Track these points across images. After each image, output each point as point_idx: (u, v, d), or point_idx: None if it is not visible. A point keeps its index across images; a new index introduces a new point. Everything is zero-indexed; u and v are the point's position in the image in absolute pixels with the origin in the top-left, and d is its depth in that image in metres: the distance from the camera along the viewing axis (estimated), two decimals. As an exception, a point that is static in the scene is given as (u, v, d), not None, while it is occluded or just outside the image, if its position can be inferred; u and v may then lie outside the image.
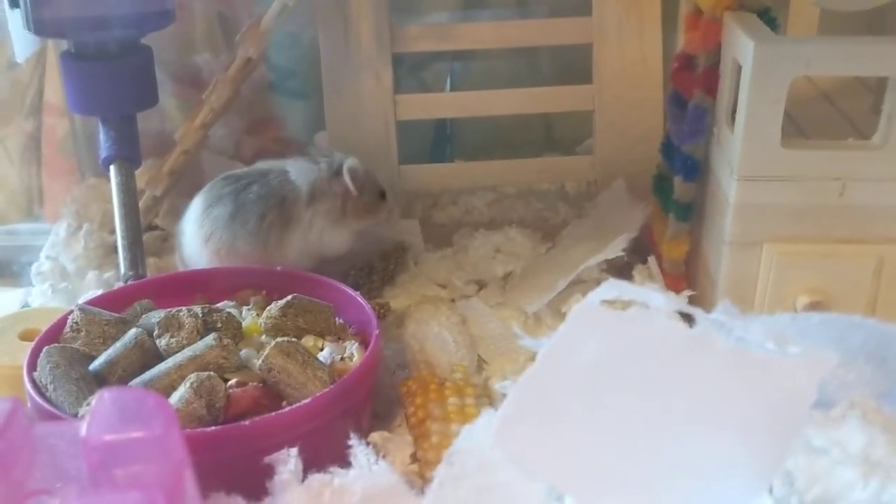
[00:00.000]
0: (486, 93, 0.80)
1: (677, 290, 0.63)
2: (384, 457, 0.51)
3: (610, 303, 0.38)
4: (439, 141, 0.95)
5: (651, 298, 0.37)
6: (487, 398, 0.56)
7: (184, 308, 0.55)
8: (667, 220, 0.66)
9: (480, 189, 0.83)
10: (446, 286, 0.71)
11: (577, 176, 0.83)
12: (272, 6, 0.69)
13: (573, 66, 0.84)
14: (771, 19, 0.59)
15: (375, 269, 0.73)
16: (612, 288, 0.38)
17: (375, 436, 0.53)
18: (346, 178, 0.66)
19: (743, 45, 0.54)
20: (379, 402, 0.59)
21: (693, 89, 0.62)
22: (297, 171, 0.66)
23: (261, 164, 0.68)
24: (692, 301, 0.57)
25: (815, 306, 0.56)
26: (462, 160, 0.89)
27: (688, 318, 0.39)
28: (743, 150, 0.55)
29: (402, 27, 0.78)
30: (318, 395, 0.49)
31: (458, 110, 0.81)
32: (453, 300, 0.70)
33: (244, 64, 0.71)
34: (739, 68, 0.56)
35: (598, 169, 0.80)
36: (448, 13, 0.88)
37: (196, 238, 0.66)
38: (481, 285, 0.72)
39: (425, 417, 0.53)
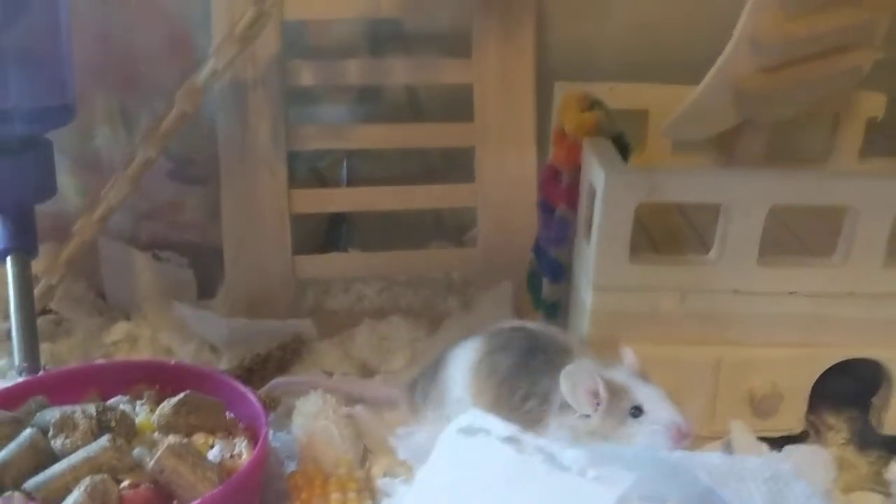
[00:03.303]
0: (376, 189, 0.85)
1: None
2: (271, 550, 0.55)
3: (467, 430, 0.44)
4: (334, 228, 0.99)
5: (493, 427, 0.43)
6: (370, 492, 0.60)
7: (78, 408, 0.57)
8: (538, 316, 0.73)
9: (372, 277, 0.88)
10: (332, 375, 0.75)
11: (462, 266, 0.89)
12: (172, 115, 0.73)
13: (462, 163, 0.91)
14: (624, 144, 0.66)
15: (271, 357, 0.77)
16: (468, 417, 0.44)
17: (263, 530, 0.56)
18: (563, 385, 0.56)
19: (596, 173, 0.61)
20: (269, 493, 0.62)
21: (558, 200, 0.69)
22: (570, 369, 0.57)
23: (555, 330, 0.64)
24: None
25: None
26: (356, 247, 0.94)
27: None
28: (596, 263, 0.62)
29: (297, 126, 0.83)
30: (206, 496, 0.52)
31: (350, 204, 0.86)
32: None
33: (143, 164, 0.74)
34: (594, 190, 0.63)
35: (481, 262, 0.86)
36: (343, 106, 0.94)
37: (466, 372, 0.62)
38: (369, 373, 0.76)
39: (310, 512, 0.57)
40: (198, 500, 0.52)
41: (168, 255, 0.90)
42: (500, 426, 0.51)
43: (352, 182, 0.95)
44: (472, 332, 0.64)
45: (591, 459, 0.45)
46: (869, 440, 0.69)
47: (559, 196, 0.69)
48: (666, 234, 0.71)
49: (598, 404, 0.56)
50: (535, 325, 0.64)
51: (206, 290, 0.90)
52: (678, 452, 0.48)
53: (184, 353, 0.80)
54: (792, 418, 0.65)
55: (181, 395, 0.60)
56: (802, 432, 0.67)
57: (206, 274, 0.90)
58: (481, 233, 0.86)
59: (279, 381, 0.73)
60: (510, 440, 0.50)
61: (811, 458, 0.56)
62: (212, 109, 0.84)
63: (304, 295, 0.86)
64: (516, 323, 0.64)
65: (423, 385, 0.66)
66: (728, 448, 0.60)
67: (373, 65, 0.82)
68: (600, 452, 0.47)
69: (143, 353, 0.81)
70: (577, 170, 0.68)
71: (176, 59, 0.85)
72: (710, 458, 0.46)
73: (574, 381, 0.55)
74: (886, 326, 0.63)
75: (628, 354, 0.59)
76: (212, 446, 0.59)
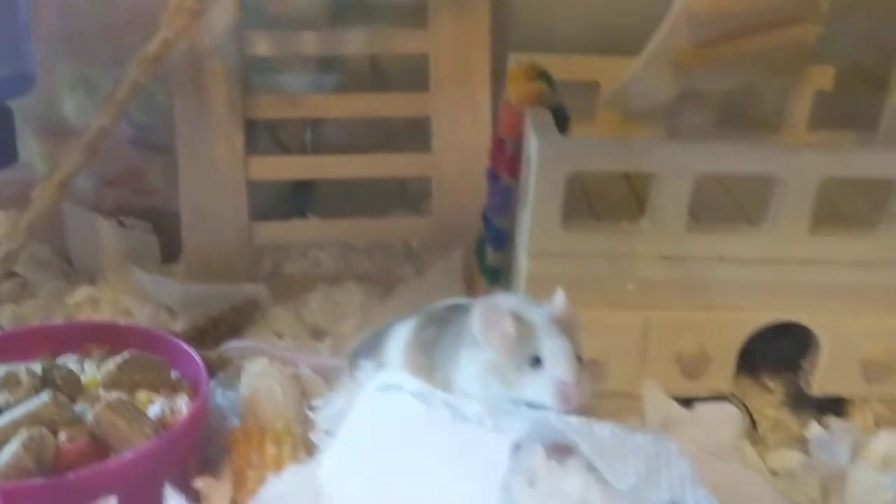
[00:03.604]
0: (331, 157, 0.87)
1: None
2: (206, 500, 0.57)
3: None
4: (300, 195, 1.01)
5: (405, 384, 0.46)
6: (305, 447, 0.62)
7: (23, 366, 0.59)
8: (484, 282, 0.75)
9: (329, 243, 0.90)
10: (283, 337, 0.77)
11: (419, 234, 0.91)
12: (125, 85, 0.74)
13: (427, 132, 0.92)
14: (563, 115, 0.68)
15: (224, 319, 0.79)
16: (385, 375, 0.51)
17: (200, 482, 0.58)
18: (473, 319, 0.54)
19: (531, 142, 0.63)
20: (213, 448, 0.64)
21: (502, 169, 0.71)
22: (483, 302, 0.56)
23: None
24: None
25: (593, 363, 0.65)
26: (322, 214, 0.95)
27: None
28: (531, 230, 0.63)
29: (254, 95, 0.84)
30: (139, 448, 0.54)
31: (306, 172, 0.88)
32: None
33: (98, 132, 0.75)
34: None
35: (436, 229, 0.88)
36: (308, 75, 0.95)
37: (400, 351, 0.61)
38: (319, 337, 0.79)
39: (245, 466, 0.59)
40: (130, 452, 0.54)
41: (132, 221, 0.92)
42: (412, 383, 0.54)
43: (316, 150, 0.97)
44: (410, 313, 0.64)
45: (490, 412, 0.47)
46: (803, 402, 0.71)
47: (503, 165, 0.71)
48: (608, 201, 0.72)
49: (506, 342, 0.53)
50: (469, 301, 0.62)
51: (169, 255, 0.92)
52: (570, 418, 0.49)
53: (142, 316, 0.82)
54: (720, 379, 0.67)
55: (125, 355, 0.63)
56: (732, 393, 0.69)
57: (169, 239, 0.92)
58: (436, 201, 0.88)
59: (233, 344, 0.75)
60: (420, 395, 0.53)
61: (720, 414, 0.58)
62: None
63: (262, 260, 0.88)
64: (451, 301, 0.64)
65: (363, 357, 0.66)
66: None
67: (328, 36, 0.83)
68: (497, 410, 0.49)
69: (105, 315, 0.83)
70: (519, 139, 0.69)
71: (138, 30, 0.86)
72: (599, 430, 0.48)
73: (485, 316, 0.53)
74: (812, 291, 0.65)
75: (559, 298, 0.56)
76: (153, 403, 0.61)
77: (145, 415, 0.58)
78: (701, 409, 0.59)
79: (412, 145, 0.91)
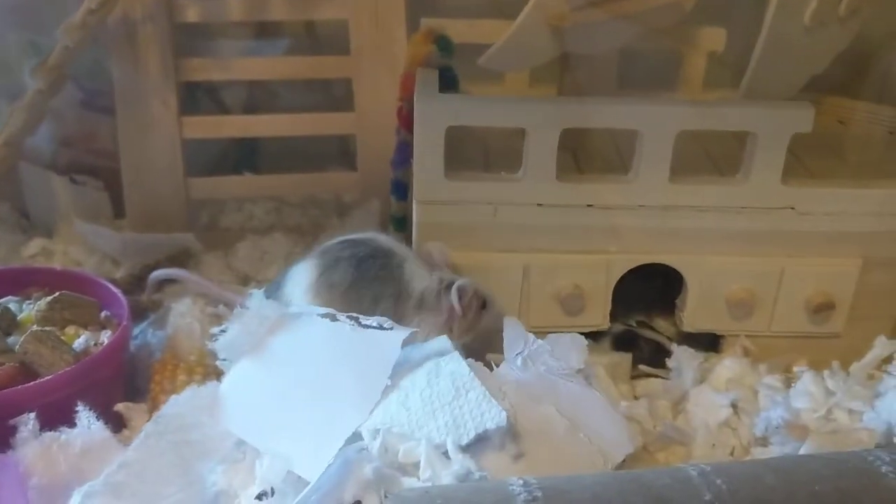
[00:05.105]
0: (262, 116, 0.94)
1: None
2: (127, 422, 0.65)
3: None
4: (243, 154, 1.08)
5: (313, 310, 0.61)
6: (216, 375, 0.69)
7: (-37, 304, 0.67)
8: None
9: (262, 198, 0.97)
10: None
11: (344, 188, 0.98)
12: (57, 50, 0.81)
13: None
14: (452, 76, 0.74)
15: (160, 267, 0.86)
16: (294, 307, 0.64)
17: (121, 406, 0.66)
18: (454, 298, 0.66)
19: (415, 99, 0.69)
20: (140, 378, 0.72)
21: (402, 125, 0.78)
22: (412, 271, 0.67)
23: (376, 237, 0.70)
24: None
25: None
26: (265, 171, 1.02)
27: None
28: (417, 180, 0.70)
29: (186, 59, 0.91)
30: (59, 372, 0.62)
31: (236, 130, 0.94)
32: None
33: (35, 94, 0.82)
34: (418, 115, 0.71)
35: (361, 183, 0.95)
36: (242, 41, 1.02)
37: (305, 292, 0.68)
38: (246, 282, 0.86)
39: (160, 391, 0.67)
40: (50, 376, 0.62)
41: (84, 179, 0.99)
42: (318, 309, 0.63)
43: (254, 111, 1.03)
44: (306, 254, 0.71)
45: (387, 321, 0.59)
46: (692, 338, 0.78)
47: (402, 122, 0.78)
48: (504, 156, 0.78)
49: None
50: (361, 235, 0.70)
51: (120, 210, 0.99)
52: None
53: (89, 265, 0.90)
54: (597, 316, 0.74)
55: (56, 294, 0.70)
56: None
57: (120, 195, 0.99)
58: (360, 157, 0.94)
59: (159, 271, 0.82)
60: (326, 315, 0.62)
61: (568, 343, 0.65)
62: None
63: (199, 213, 0.95)
64: (343, 238, 0.70)
65: (269, 297, 0.72)
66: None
67: (253, 3, 0.89)
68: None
69: (56, 265, 0.90)
70: (412, 98, 0.75)
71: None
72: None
73: (459, 294, 0.66)
74: (674, 235, 0.72)
75: (440, 251, 0.67)
76: (80, 337, 0.69)
77: (69, 345, 0.66)
78: (552, 337, 0.66)
79: (349, 106, 0.97)
